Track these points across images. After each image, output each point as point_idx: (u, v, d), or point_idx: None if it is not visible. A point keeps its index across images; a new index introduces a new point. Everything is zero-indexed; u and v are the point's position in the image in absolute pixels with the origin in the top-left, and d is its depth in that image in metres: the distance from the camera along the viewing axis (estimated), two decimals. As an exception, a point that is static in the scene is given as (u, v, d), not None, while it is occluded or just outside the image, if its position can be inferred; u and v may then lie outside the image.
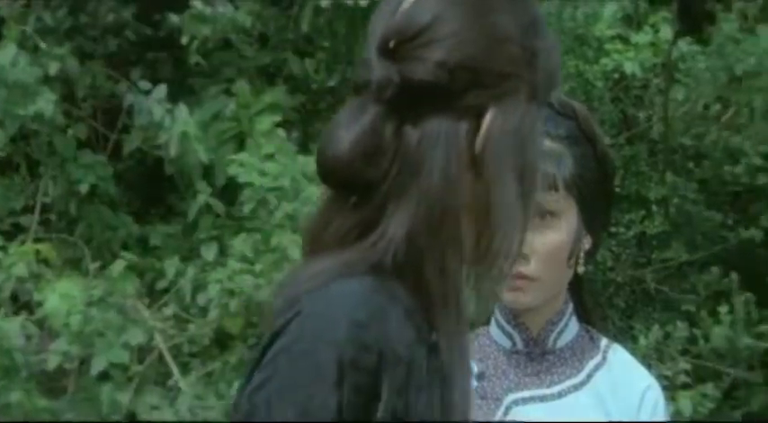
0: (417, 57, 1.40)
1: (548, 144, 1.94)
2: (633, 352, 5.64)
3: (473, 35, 1.42)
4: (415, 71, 1.40)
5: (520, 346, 2.04)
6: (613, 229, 6.16)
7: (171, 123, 5.06)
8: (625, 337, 5.72)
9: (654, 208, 6.17)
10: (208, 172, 5.21)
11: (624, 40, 5.92)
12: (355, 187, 1.39)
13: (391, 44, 1.41)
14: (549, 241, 1.97)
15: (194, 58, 5.27)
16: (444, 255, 1.38)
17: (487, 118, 1.42)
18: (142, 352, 4.90)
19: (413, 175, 1.39)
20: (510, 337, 2.05)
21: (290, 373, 1.33)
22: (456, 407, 1.36)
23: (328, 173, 1.40)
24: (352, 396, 1.31)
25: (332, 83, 5.94)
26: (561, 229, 1.98)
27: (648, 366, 5.32)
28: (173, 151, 5.05)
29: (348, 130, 1.39)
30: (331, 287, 1.36)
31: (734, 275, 5.87)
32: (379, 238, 1.39)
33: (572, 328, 2.05)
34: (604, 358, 2.05)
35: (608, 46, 5.86)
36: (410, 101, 1.40)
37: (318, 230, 1.42)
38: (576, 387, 2.02)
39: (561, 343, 2.04)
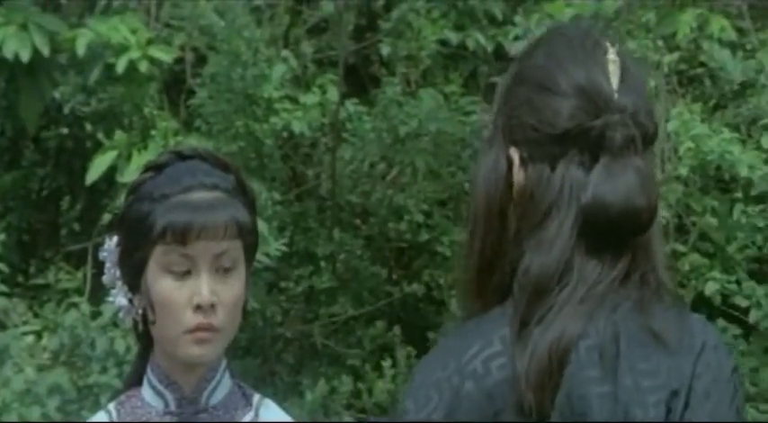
0: (649, 122, 1.62)
1: (217, 195, 1.98)
2: (300, 407, 5.70)
3: None
4: (651, 134, 1.62)
5: (172, 405, 2.03)
6: (282, 285, 6.21)
7: None
8: (293, 392, 5.78)
9: (322, 264, 6.25)
10: None
11: (293, 100, 6.02)
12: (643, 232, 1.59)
13: (633, 109, 1.61)
14: (233, 291, 1.99)
15: None
16: None
17: None
18: None
19: None
20: (162, 396, 2.03)
21: (724, 396, 1.58)
22: None
23: (639, 220, 1.58)
24: None
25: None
26: (240, 277, 2.00)
27: (314, 421, 5.43)
28: None
29: (644, 181, 1.58)
30: (690, 316, 1.62)
31: (397, 329, 6.04)
32: (649, 275, 1.60)
33: (225, 384, 2.05)
34: (257, 414, 2.06)
35: (277, 105, 5.94)
36: None
37: (595, 276, 1.57)
38: (229, 445, 2.00)
39: (214, 400, 2.04)
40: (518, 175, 1.62)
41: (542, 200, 1.59)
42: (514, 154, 1.61)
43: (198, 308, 1.96)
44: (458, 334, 1.62)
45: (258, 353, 5.99)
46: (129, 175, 5.29)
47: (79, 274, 5.56)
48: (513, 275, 1.59)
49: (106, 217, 5.69)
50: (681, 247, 5.96)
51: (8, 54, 5.13)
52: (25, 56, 5.14)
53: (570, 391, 1.54)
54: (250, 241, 2.02)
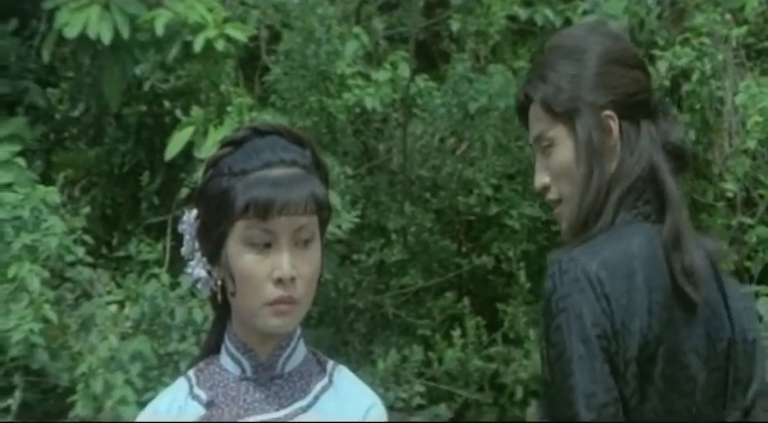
0: None
1: (296, 171, 2.00)
2: (372, 375, 5.79)
3: None
4: None
5: (249, 372, 2.07)
6: (354, 257, 6.25)
7: None
8: (365, 361, 5.86)
9: (393, 236, 6.29)
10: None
11: (365, 76, 6.05)
12: None
13: None
14: (311, 264, 2.02)
15: None
16: None
17: None
18: None
19: None
20: (239, 363, 2.07)
21: None
22: None
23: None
24: None
25: (76, 113, 5.89)
26: (317, 250, 2.03)
27: (386, 389, 5.53)
28: None
29: None
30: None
31: (466, 300, 6.10)
32: None
33: (300, 351, 2.08)
34: (331, 381, 2.10)
35: (350, 82, 5.98)
36: None
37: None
38: (304, 409, 2.05)
39: (290, 367, 2.07)
40: (614, 129, 2.10)
41: (644, 147, 2.09)
42: (613, 114, 2.09)
43: (279, 281, 1.98)
44: (614, 239, 2.05)
45: (331, 323, 6.05)
46: (206, 150, 5.35)
47: (159, 246, 5.64)
48: (621, 201, 2.07)
49: (184, 191, 5.77)
50: (748, 220, 5.95)
51: (92, 34, 5.19)
52: (107, 38, 5.20)
53: (707, 296, 2.05)
54: (325, 216, 2.05)
